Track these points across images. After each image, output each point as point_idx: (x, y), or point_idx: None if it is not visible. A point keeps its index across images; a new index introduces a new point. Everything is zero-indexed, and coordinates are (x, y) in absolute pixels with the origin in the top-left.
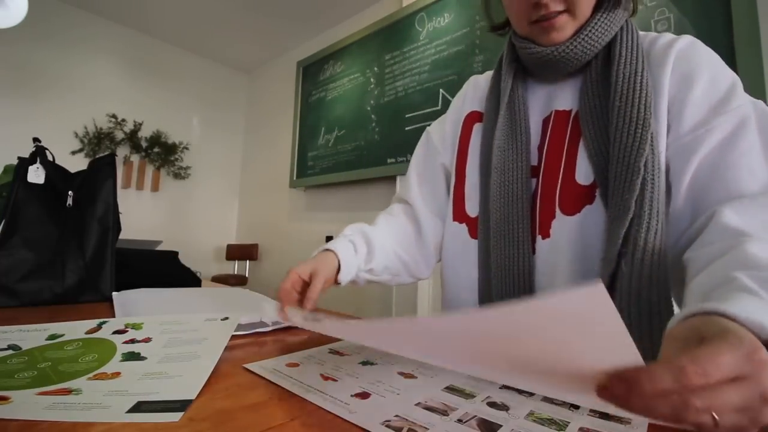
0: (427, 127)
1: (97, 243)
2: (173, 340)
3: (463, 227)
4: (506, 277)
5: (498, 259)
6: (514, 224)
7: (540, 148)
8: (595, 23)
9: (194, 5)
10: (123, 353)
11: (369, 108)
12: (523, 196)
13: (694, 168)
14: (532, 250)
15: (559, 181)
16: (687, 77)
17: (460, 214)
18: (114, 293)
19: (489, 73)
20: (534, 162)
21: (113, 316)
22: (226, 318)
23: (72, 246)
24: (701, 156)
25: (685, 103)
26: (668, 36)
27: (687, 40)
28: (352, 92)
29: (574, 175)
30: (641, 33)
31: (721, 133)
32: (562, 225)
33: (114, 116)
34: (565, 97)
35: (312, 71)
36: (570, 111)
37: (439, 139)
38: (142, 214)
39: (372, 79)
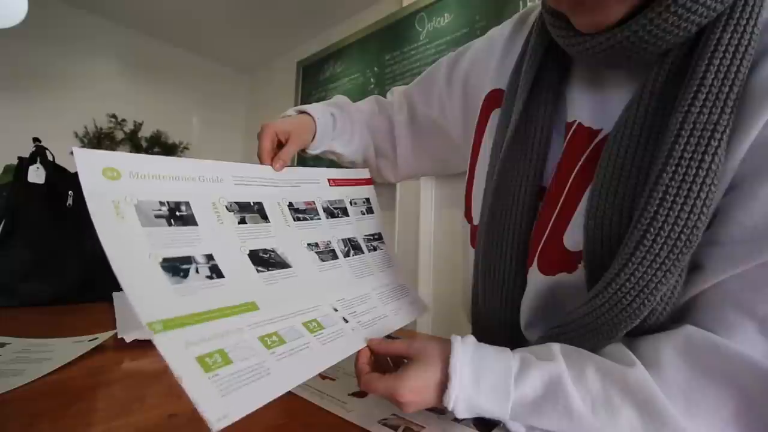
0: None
1: (97, 243)
2: (21, 358)
3: (467, 229)
4: (491, 318)
5: (484, 292)
6: (506, 258)
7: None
8: None
9: (194, 5)
10: None
11: None
12: (521, 226)
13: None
14: (523, 281)
15: (545, 236)
16: None
17: (468, 214)
18: (114, 293)
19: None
20: (547, 182)
21: (113, 316)
22: (95, 338)
23: (72, 246)
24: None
25: (763, 190)
26: None
27: None
28: (352, 92)
29: (563, 233)
30: None
31: None
32: (534, 276)
33: (114, 116)
34: (607, 104)
35: (312, 71)
36: (598, 131)
37: (440, 89)
38: None
39: (372, 80)
